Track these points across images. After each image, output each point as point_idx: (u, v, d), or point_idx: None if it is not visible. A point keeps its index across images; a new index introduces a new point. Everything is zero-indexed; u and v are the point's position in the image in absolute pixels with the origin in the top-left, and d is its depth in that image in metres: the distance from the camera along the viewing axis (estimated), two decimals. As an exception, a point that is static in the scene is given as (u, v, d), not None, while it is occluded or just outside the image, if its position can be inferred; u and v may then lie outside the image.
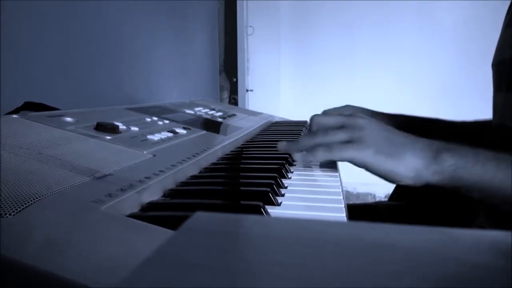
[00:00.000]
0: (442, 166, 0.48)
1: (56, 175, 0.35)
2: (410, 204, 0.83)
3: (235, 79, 2.56)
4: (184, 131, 0.66)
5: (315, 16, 2.62)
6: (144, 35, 1.38)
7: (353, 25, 2.56)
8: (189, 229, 0.17)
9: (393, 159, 0.49)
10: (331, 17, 2.59)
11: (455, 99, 2.36)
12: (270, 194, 0.41)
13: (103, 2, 1.10)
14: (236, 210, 0.37)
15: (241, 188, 0.47)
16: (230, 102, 2.50)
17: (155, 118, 0.69)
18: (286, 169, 0.55)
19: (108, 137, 0.51)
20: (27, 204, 0.28)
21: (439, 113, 0.77)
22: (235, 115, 1.02)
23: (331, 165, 0.60)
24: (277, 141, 0.59)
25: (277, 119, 1.24)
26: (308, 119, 0.68)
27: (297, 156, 0.53)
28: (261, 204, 0.36)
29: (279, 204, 0.41)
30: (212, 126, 0.81)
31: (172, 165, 0.47)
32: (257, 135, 0.90)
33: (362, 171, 0.51)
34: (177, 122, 0.73)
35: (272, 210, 0.38)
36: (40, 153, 0.39)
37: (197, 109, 0.94)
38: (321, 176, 0.56)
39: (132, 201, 0.36)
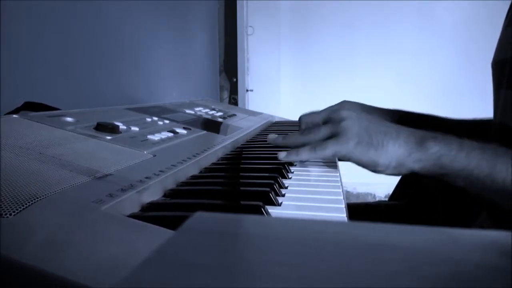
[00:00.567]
0: (426, 154, 0.48)
1: (56, 175, 0.35)
2: (410, 204, 0.83)
3: (235, 79, 2.56)
4: (184, 131, 0.66)
5: (315, 16, 2.62)
6: (144, 35, 1.38)
7: (353, 25, 2.56)
8: (189, 229, 0.17)
9: (375, 149, 0.49)
10: (331, 17, 2.59)
11: (455, 99, 2.36)
12: (270, 194, 0.41)
13: (103, 2, 1.10)
14: (236, 210, 0.37)
15: (242, 188, 0.47)
16: (230, 102, 2.51)
17: (155, 118, 0.69)
18: (286, 169, 0.55)
19: (108, 137, 0.51)
20: (27, 204, 0.28)
21: (439, 113, 0.77)
22: (235, 115, 1.02)
23: (331, 161, 0.60)
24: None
25: (277, 119, 1.24)
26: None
27: (281, 155, 0.53)
28: (261, 204, 0.36)
29: (279, 204, 0.41)
30: (212, 126, 0.81)
31: (172, 165, 0.47)
32: (257, 135, 0.90)
33: (362, 171, 0.51)
34: (177, 122, 0.73)
35: (272, 210, 0.38)
36: (40, 153, 0.39)
37: (197, 109, 0.94)
38: (321, 176, 0.56)
39: (133, 201, 0.36)
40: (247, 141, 0.80)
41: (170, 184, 0.44)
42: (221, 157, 0.63)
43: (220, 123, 0.87)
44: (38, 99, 0.71)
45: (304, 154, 0.52)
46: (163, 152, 0.52)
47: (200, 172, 0.53)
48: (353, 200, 2.51)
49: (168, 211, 0.37)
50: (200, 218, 0.18)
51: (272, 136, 0.59)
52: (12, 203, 0.28)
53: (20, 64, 0.82)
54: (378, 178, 0.51)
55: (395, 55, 2.51)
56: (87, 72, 1.05)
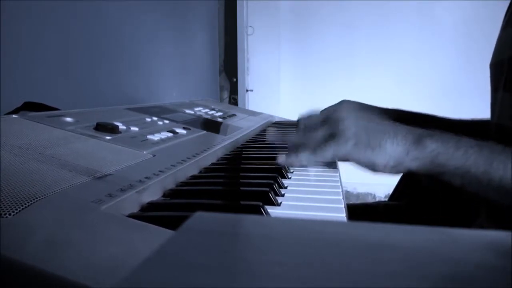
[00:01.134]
0: (423, 152, 0.48)
1: (56, 175, 0.35)
2: (410, 204, 0.83)
3: (235, 79, 2.56)
4: (184, 131, 0.66)
5: (315, 16, 2.62)
6: (144, 35, 1.38)
7: (353, 25, 2.56)
8: (189, 229, 0.17)
9: (372, 149, 0.49)
10: (331, 17, 2.59)
11: (455, 99, 2.36)
12: (270, 194, 0.41)
13: (103, 2, 1.10)
14: (236, 210, 0.37)
15: (241, 188, 0.47)
16: (230, 102, 2.50)
17: (155, 118, 0.69)
18: (286, 169, 0.55)
19: (108, 137, 0.51)
20: (27, 204, 0.28)
21: (439, 113, 0.77)
22: (235, 115, 1.02)
23: (331, 163, 0.60)
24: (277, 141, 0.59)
25: (277, 119, 1.24)
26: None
27: (281, 159, 0.52)
28: (261, 204, 0.36)
29: (279, 204, 0.41)
30: (212, 126, 0.81)
31: (172, 165, 0.47)
32: (257, 135, 0.90)
33: (362, 171, 0.51)
34: (177, 122, 0.73)
35: (272, 210, 0.38)
36: (40, 153, 0.39)
37: (197, 109, 0.94)
38: (321, 176, 0.56)
39: (132, 201, 0.36)
40: (247, 141, 0.80)
41: (170, 184, 0.44)
42: (221, 157, 0.63)
43: (220, 123, 0.87)
44: (38, 99, 0.71)
45: (304, 158, 0.52)
46: (163, 152, 0.52)
47: (200, 172, 0.53)
48: (353, 200, 2.51)
49: (167, 211, 0.37)
50: (200, 218, 0.18)
51: (271, 133, 0.59)
52: (12, 203, 0.28)
53: (20, 64, 0.82)
54: (378, 178, 0.51)
55: (395, 55, 2.51)
56: (87, 72, 1.05)
